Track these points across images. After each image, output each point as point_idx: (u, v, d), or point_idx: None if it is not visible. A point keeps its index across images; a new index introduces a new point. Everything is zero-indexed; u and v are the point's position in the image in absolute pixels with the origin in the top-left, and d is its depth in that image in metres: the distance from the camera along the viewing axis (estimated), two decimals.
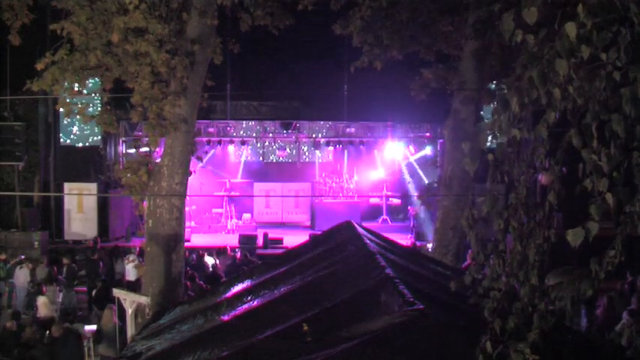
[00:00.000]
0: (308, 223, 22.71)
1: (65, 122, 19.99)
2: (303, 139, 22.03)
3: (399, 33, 12.64)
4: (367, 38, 12.60)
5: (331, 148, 22.98)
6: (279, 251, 15.35)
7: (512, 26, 3.35)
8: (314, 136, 21.73)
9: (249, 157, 23.36)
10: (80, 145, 20.72)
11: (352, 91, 19.34)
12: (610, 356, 5.17)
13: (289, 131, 21.72)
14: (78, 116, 11.09)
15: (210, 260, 15.49)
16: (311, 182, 23.08)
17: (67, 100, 10.96)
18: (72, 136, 20.76)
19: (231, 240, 18.53)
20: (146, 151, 12.01)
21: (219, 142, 21.80)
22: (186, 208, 13.83)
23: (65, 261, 14.94)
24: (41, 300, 12.67)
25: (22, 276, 14.25)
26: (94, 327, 11.67)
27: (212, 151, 21.94)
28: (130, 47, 10.12)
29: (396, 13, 12.29)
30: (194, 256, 15.53)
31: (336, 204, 21.81)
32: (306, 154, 23.94)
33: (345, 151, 23.12)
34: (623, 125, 3.10)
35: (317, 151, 23.34)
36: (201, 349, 5.99)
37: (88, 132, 20.68)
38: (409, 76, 13.89)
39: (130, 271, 14.49)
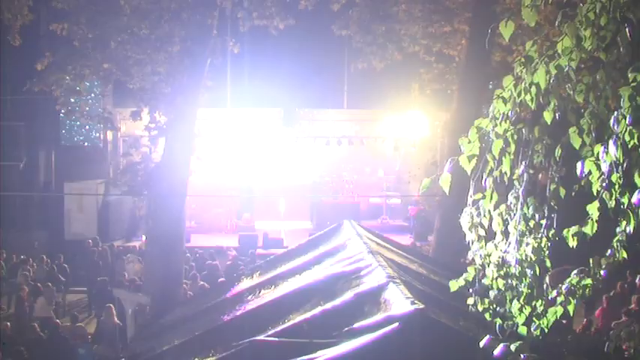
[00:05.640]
0: (308, 223, 22.70)
1: (65, 122, 20.02)
2: (304, 137, 21.96)
3: (398, 33, 12.67)
4: (366, 39, 12.64)
5: (332, 146, 22.81)
6: (279, 251, 15.35)
7: (513, 28, 3.35)
8: (314, 134, 21.69)
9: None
10: (80, 144, 20.71)
11: (353, 81, 19.48)
12: (610, 356, 5.18)
13: (289, 129, 21.65)
14: (78, 116, 11.11)
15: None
16: (311, 182, 23.05)
17: (67, 100, 10.98)
18: (72, 136, 20.76)
19: (231, 240, 18.52)
20: (146, 151, 12.03)
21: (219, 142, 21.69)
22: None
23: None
24: (40, 300, 12.68)
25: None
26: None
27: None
28: (130, 48, 10.14)
29: (394, 14, 12.33)
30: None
31: (336, 204, 21.79)
32: (307, 152, 23.84)
33: (346, 150, 23.03)
34: (623, 125, 3.10)
35: (317, 150, 23.24)
36: (201, 349, 6.00)
37: (88, 132, 20.67)
38: (409, 72, 13.94)
39: (130, 271, 14.49)
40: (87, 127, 20.02)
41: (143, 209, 11.51)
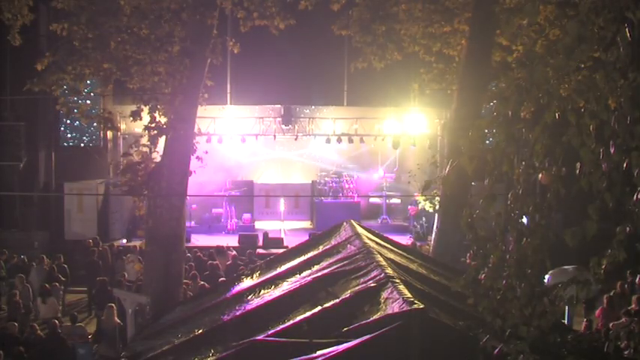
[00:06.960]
0: (308, 223, 22.69)
1: (65, 122, 20.03)
2: (304, 137, 21.95)
3: (398, 33, 12.67)
4: (366, 39, 12.64)
5: (332, 144, 22.80)
6: (279, 251, 15.34)
7: (515, 27, 3.36)
8: (314, 133, 21.67)
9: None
10: (80, 144, 20.72)
11: (353, 80, 19.54)
12: (610, 356, 5.17)
13: (289, 127, 21.61)
14: (78, 116, 11.11)
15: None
16: (311, 182, 23.03)
17: (67, 100, 10.98)
18: (72, 136, 20.76)
19: (231, 240, 18.52)
20: (146, 151, 12.02)
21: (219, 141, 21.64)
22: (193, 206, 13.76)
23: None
24: (50, 300, 12.70)
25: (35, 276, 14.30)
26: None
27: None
28: (130, 48, 10.14)
29: (394, 14, 12.32)
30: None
31: (336, 204, 21.78)
32: (306, 152, 23.81)
33: (345, 149, 23.01)
34: (623, 125, 3.10)
35: (317, 150, 23.20)
36: (201, 349, 6.00)
37: (88, 132, 20.68)
38: (409, 72, 13.93)
39: (130, 271, 14.50)
40: (87, 126, 20.03)
41: (143, 209, 11.49)
